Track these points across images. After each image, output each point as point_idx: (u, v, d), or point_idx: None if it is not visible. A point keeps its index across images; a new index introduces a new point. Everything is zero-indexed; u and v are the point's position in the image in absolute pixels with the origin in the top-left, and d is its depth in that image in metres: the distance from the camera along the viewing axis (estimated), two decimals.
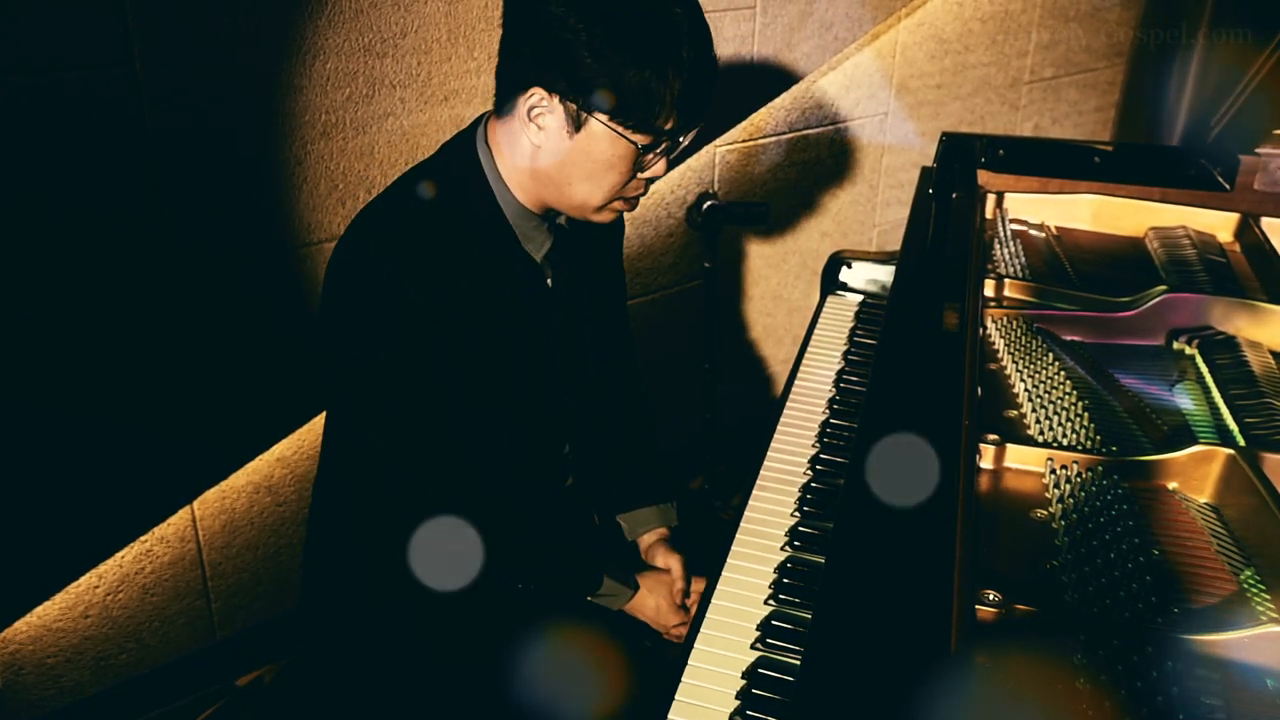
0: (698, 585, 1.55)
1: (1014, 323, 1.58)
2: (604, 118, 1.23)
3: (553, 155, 1.28)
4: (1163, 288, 1.59)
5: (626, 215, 2.44)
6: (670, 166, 1.36)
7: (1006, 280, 1.66)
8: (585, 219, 1.35)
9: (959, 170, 1.99)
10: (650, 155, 1.29)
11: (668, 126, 1.25)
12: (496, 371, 1.38)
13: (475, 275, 1.33)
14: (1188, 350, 1.54)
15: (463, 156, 1.36)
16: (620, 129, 1.24)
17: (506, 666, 1.41)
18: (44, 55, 1.56)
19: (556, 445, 1.51)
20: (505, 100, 1.30)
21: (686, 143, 1.32)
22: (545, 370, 1.44)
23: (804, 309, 2.98)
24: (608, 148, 1.25)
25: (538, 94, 1.24)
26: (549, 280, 1.43)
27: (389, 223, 1.32)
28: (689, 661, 1.20)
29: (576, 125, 1.24)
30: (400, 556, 1.40)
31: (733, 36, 2.48)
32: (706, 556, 1.41)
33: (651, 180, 1.33)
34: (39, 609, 1.82)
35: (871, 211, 3.12)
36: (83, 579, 1.86)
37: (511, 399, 1.41)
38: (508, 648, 1.43)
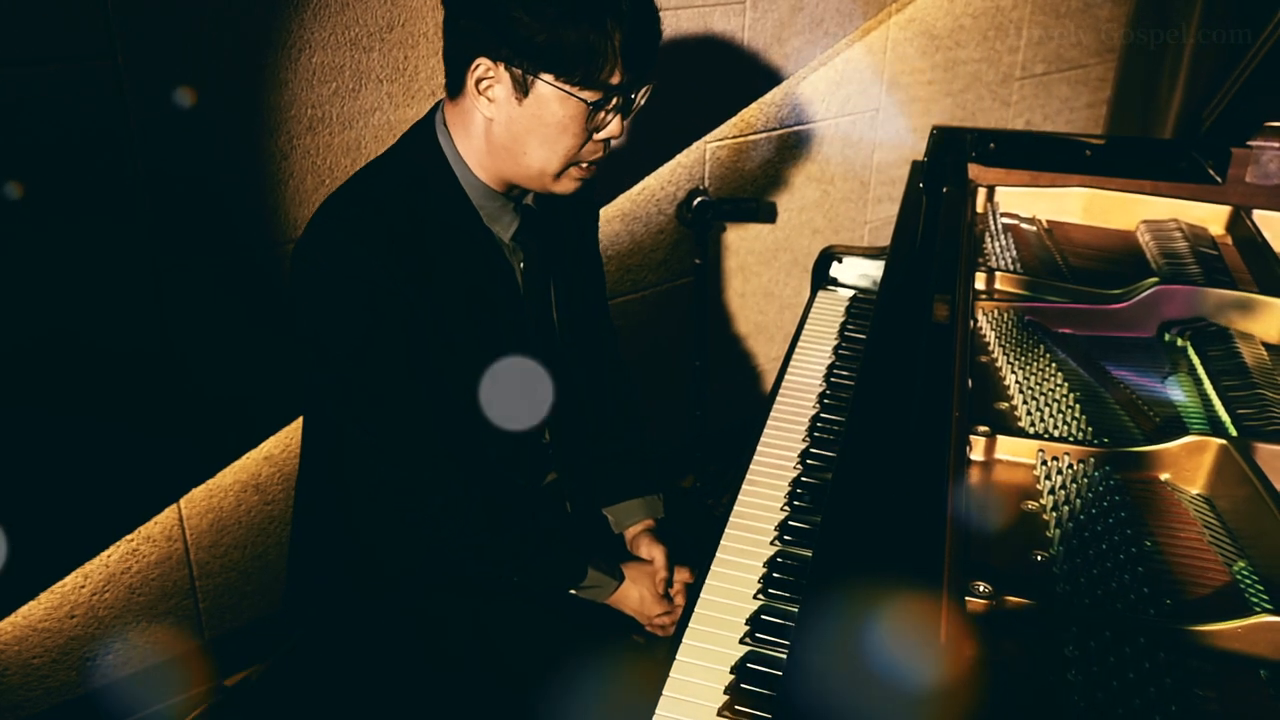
0: (681, 575, 1.54)
1: (1005, 316, 1.57)
2: (550, 78, 1.23)
3: (505, 125, 1.28)
4: (1154, 280, 1.58)
5: (616, 211, 2.44)
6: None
7: (997, 273, 1.65)
8: (547, 190, 1.35)
9: (950, 164, 1.99)
10: (602, 113, 1.28)
11: (614, 81, 1.25)
12: (470, 354, 1.37)
13: (442, 257, 1.32)
14: (1179, 342, 1.53)
15: (422, 142, 1.36)
16: (567, 87, 1.23)
17: (493, 663, 1.40)
18: (23, 48, 1.54)
19: (536, 434, 1.50)
20: (455, 80, 1.31)
21: (641, 101, 1.31)
22: (519, 352, 1.43)
23: (795, 306, 2.97)
24: (558, 108, 1.25)
25: (483, 64, 1.24)
26: (520, 263, 1.42)
27: (352, 209, 1.31)
28: (677, 656, 1.19)
29: (524, 90, 1.24)
30: (383, 549, 1.39)
31: (722, 31, 2.47)
32: (697, 554, 1.40)
33: (608, 142, 1.32)
34: (24, 609, 1.81)
35: (863, 208, 3.12)
36: (68, 578, 1.84)
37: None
38: (494, 644, 1.42)
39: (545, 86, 1.24)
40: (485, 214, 1.37)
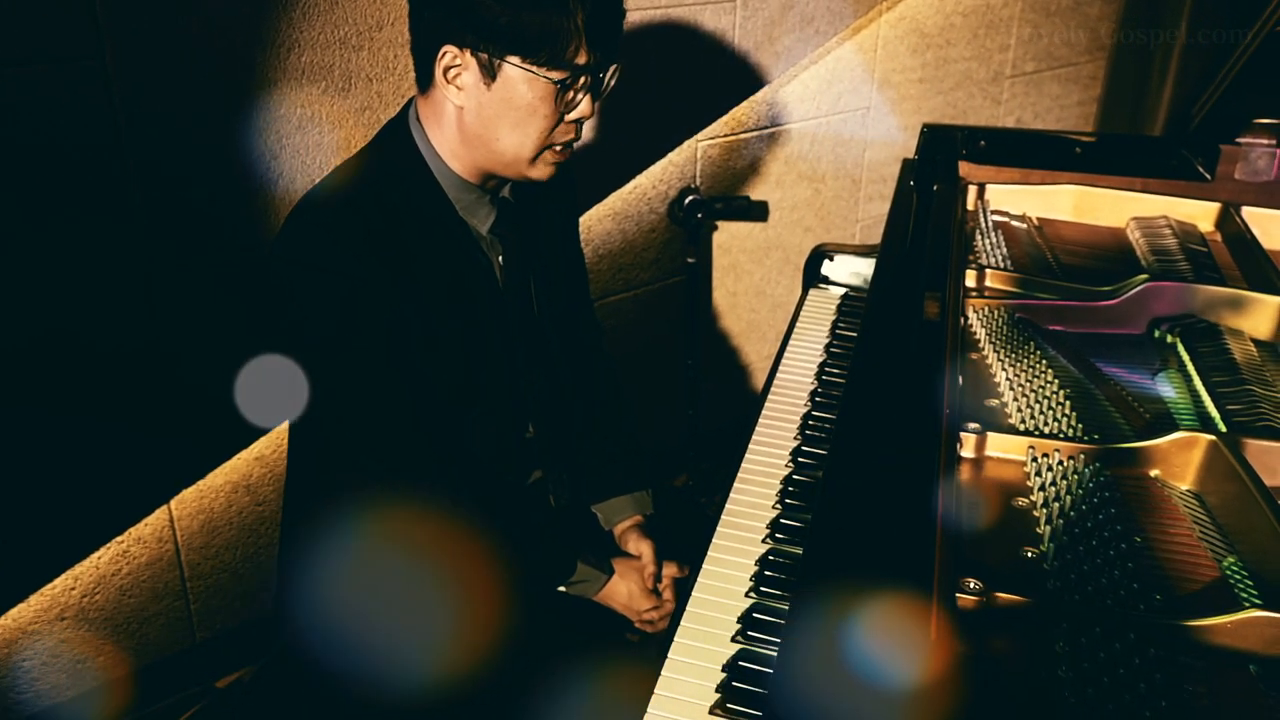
0: (670, 570, 1.54)
1: (996, 313, 1.57)
2: (516, 60, 1.24)
3: (476, 112, 1.28)
4: (1144, 277, 1.59)
5: (608, 210, 2.44)
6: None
7: (988, 271, 1.66)
8: (524, 176, 1.35)
9: (940, 161, 1.99)
10: (571, 93, 1.28)
11: (580, 60, 1.25)
12: (450, 347, 1.36)
13: (419, 252, 1.32)
14: (1169, 339, 1.53)
15: (396, 138, 1.36)
16: (533, 68, 1.24)
17: (484, 662, 1.40)
18: (11, 48, 1.54)
19: (520, 427, 1.50)
20: (424, 72, 1.31)
21: (611, 82, 1.32)
22: (501, 346, 1.43)
23: (787, 304, 2.97)
24: (526, 90, 1.26)
25: (449, 52, 1.25)
26: (499, 256, 1.42)
27: (326, 207, 1.32)
28: (669, 654, 1.19)
29: (492, 74, 1.25)
30: (370, 549, 1.38)
31: (713, 30, 2.47)
32: (691, 552, 1.40)
33: (580, 124, 1.33)
34: (13, 611, 1.80)
35: (854, 206, 3.12)
36: (58, 581, 1.83)
37: (469, 378, 1.40)
38: (485, 643, 1.41)
39: (512, 69, 1.24)
40: (461, 207, 1.37)
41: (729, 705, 1.11)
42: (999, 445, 1.26)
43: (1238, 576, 1.07)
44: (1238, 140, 1.93)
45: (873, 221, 3.18)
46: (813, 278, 2.11)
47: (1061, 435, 1.28)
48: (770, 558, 1.33)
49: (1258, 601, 1.01)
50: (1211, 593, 1.06)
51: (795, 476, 1.48)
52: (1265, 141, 1.90)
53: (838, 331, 1.91)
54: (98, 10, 1.59)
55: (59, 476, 1.78)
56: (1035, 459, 1.23)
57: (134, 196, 1.72)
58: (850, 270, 2.09)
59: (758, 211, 2.81)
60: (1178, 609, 1.02)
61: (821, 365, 1.79)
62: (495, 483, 1.47)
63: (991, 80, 3.35)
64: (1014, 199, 1.99)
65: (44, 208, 1.64)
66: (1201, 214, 1.90)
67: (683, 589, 1.35)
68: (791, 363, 1.81)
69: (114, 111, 1.65)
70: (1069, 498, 1.17)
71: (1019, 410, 1.34)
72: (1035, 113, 3.58)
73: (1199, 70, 3.18)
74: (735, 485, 1.48)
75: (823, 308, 2.02)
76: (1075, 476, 1.21)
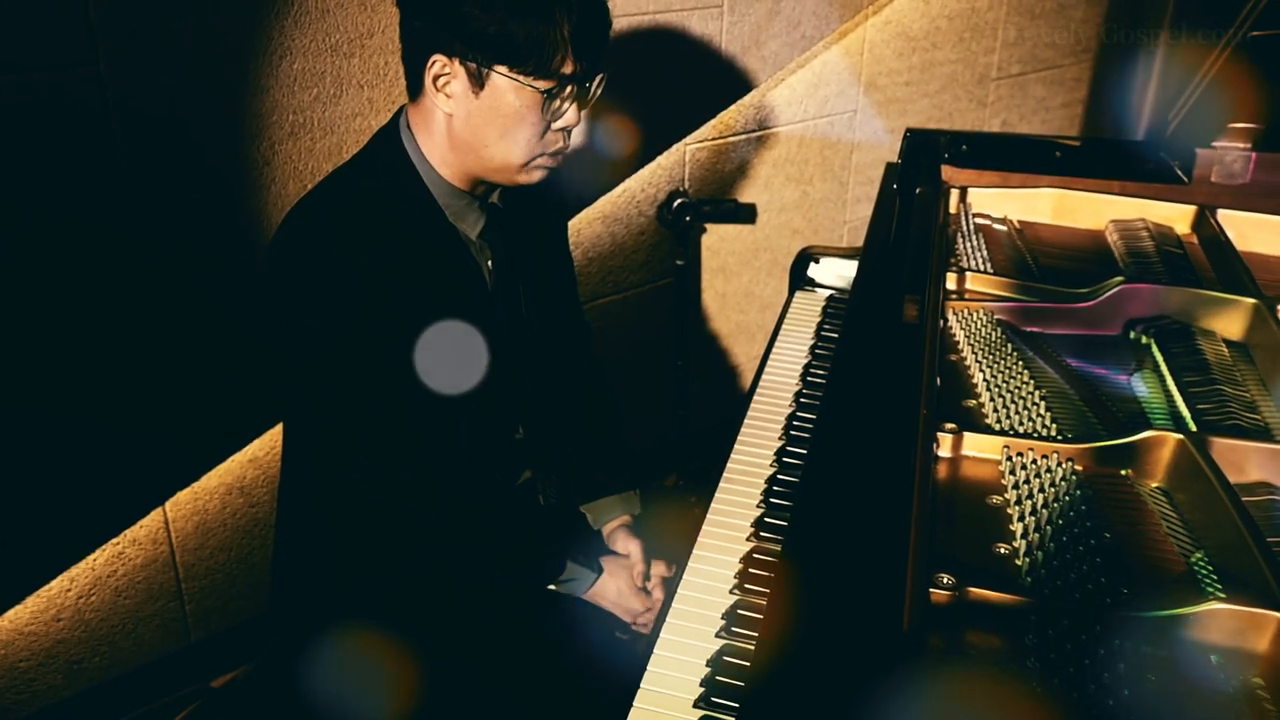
0: (658, 569, 1.57)
1: (975, 315, 1.61)
2: (504, 69, 1.27)
3: (465, 120, 1.32)
4: (1120, 279, 1.62)
5: (597, 213, 2.47)
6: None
7: (968, 273, 1.69)
8: (514, 182, 1.38)
9: (923, 165, 2.02)
10: (558, 102, 1.31)
11: (567, 70, 1.28)
12: None
13: (410, 256, 1.35)
14: (1144, 340, 1.57)
15: (387, 145, 1.39)
16: (521, 77, 1.27)
17: (475, 659, 1.43)
18: (7, 55, 1.56)
19: (509, 429, 1.53)
20: (414, 80, 1.34)
21: (597, 90, 1.35)
22: (491, 350, 1.46)
23: (775, 306, 2.99)
24: (514, 99, 1.29)
25: (439, 61, 1.28)
26: (489, 260, 1.45)
27: (318, 212, 1.35)
28: (654, 650, 1.22)
29: (480, 83, 1.28)
30: (363, 548, 1.41)
31: (700, 35, 2.50)
32: (679, 552, 1.43)
33: (568, 131, 1.36)
34: (10, 612, 1.82)
35: (842, 208, 3.15)
36: (54, 582, 1.86)
37: None
38: (476, 640, 1.44)
39: (500, 78, 1.27)
40: (451, 212, 1.40)
41: (713, 699, 1.14)
42: (975, 445, 1.29)
43: (1204, 571, 1.10)
44: (1214, 144, 1.96)
45: (860, 223, 3.21)
46: (799, 280, 2.14)
47: (1036, 435, 1.31)
48: (754, 555, 1.36)
49: (1221, 595, 1.04)
50: (1178, 586, 1.09)
51: (779, 476, 1.52)
52: (1240, 145, 1.94)
53: (823, 333, 1.94)
54: (92, 17, 1.62)
55: (55, 478, 1.80)
56: (1010, 458, 1.27)
57: (129, 201, 1.74)
58: (836, 273, 2.12)
59: (746, 214, 2.84)
60: (1143, 602, 1.05)
61: (806, 367, 1.82)
62: (485, 483, 1.50)
63: (977, 83, 3.38)
64: (995, 202, 2.02)
65: (41, 212, 1.66)
66: (1178, 216, 1.94)
67: (669, 585, 1.38)
68: (777, 364, 1.84)
69: (109, 117, 1.68)
70: (1042, 496, 1.20)
71: (995, 410, 1.37)
72: (1021, 114, 3.62)
73: (1180, 74, 3.21)
74: (720, 484, 1.51)
75: (808, 310, 2.05)
76: (1049, 475, 1.24)
